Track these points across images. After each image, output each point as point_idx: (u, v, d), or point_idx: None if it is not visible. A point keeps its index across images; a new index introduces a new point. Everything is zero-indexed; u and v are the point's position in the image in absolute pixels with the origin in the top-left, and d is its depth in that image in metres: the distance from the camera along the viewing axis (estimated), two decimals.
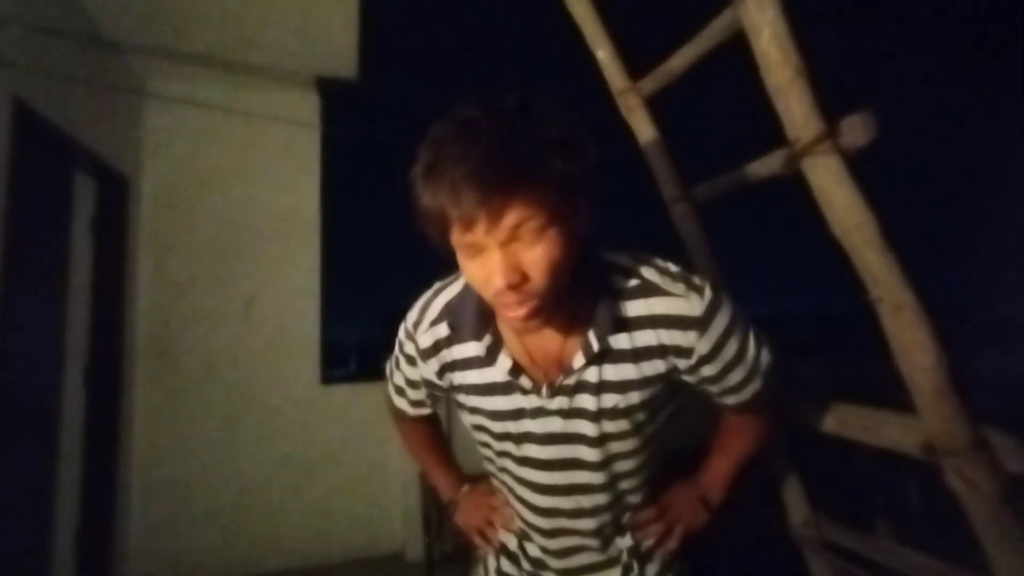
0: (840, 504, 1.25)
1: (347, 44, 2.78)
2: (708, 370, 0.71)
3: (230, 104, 2.94)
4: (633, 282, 0.70)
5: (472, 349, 0.75)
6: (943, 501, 0.81)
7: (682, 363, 0.71)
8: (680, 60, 1.09)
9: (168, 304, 2.90)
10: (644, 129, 1.20)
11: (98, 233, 2.47)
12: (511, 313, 0.62)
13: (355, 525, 3.02)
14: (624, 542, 0.82)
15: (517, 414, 0.75)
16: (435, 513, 2.48)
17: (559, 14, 1.24)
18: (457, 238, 0.60)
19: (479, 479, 0.96)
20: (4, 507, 1.81)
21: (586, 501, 0.77)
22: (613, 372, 0.70)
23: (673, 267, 0.72)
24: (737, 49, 0.90)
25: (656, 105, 1.20)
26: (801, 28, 0.80)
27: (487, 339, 0.73)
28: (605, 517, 0.79)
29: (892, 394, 0.85)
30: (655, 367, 0.71)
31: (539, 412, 0.74)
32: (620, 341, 0.70)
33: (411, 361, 0.84)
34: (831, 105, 0.79)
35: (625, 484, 0.78)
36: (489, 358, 0.74)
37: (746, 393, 0.75)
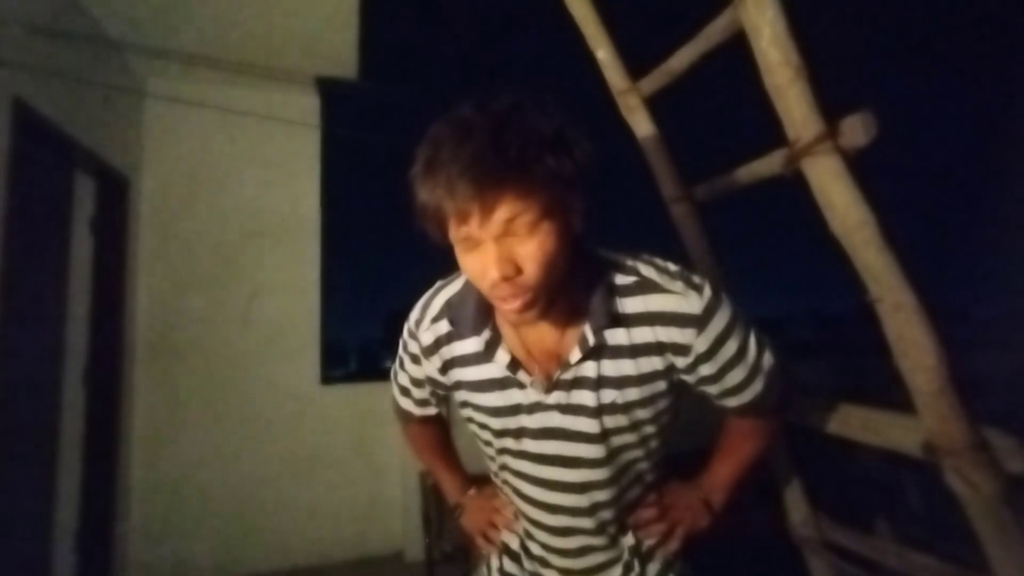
0: (840, 504, 1.25)
1: (347, 44, 2.78)
2: (706, 369, 0.71)
3: (230, 104, 2.94)
4: (631, 279, 0.71)
5: (472, 345, 0.77)
6: (943, 501, 0.81)
7: (680, 361, 0.71)
8: (680, 60, 1.09)
9: (168, 304, 2.90)
10: (644, 129, 1.20)
11: (98, 233, 2.47)
12: (506, 306, 0.64)
13: (355, 525, 3.02)
14: (626, 541, 0.82)
15: (515, 409, 0.76)
16: (435, 513, 2.48)
17: (559, 14, 1.24)
18: (454, 232, 0.62)
19: (483, 480, 0.96)
20: (4, 508, 1.81)
21: (585, 499, 0.77)
22: (611, 368, 0.71)
23: (672, 266, 0.72)
24: (737, 49, 0.90)
25: (656, 105, 1.20)
26: (801, 28, 0.80)
27: (486, 334, 0.74)
28: (606, 514, 0.79)
29: (892, 394, 0.85)
30: (653, 364, 0.71)
31: (537, 407, 0.75)
32: (618, 337, 0.70)
33: (415, 360, 0.85)
34: (831, 105, 0.79)
35: (626, 482, 0.78)
36: (488, 353, 0.75)
37: (747, 395, 0.75)
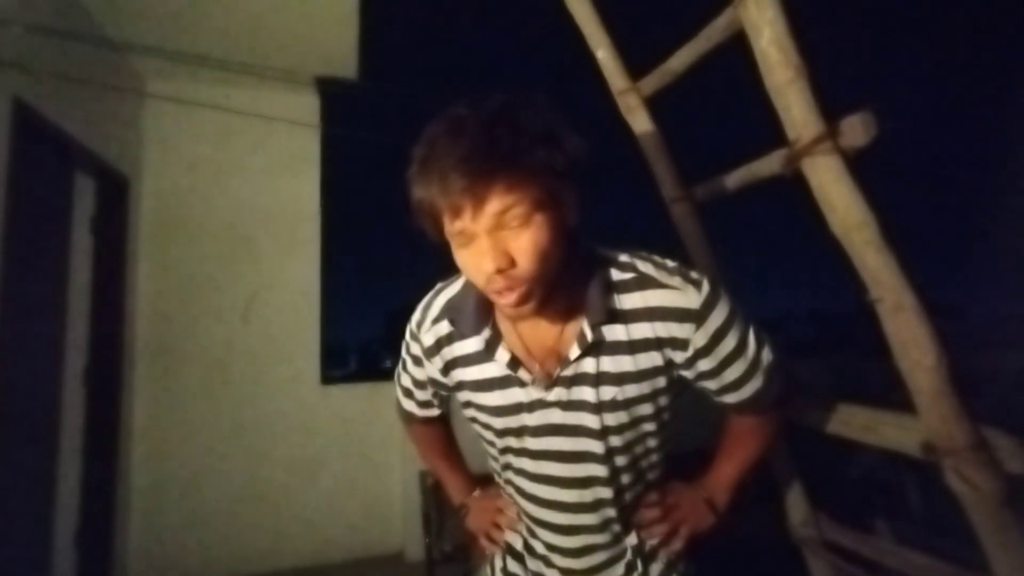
0: (840, 504, 1.25)
1: (347, 44, 2.77)
2: (705, 364, 0.71)
3: (230, 104, 2.93)
4: (629, 275, 0.71)
5: (472, 345, 0.77)
6: (943, 501, 0.81)
7: (679, 356, 0.71)
8: (680, 60, 1.09)
9: (168, 304, 2.90)
10: (644, 129, 1.20)
11: (98, 233, 2.47)
12: (502, 300, 0.65)
13: (355, 525, 3.02)
14: (629, 540, 0.82)
15: (516, 408, 0.76)
16: (435, 513, 2.48)
17: (559, 14, 1.24)
18: (449, 228, 0.63)
19: (487, 480, 0.96)
20: (4, 507, 1.81)
21: (588, 495, 0.77)
22: (610, 364, 0.71)
23: (670, 262, 0.73)
24: (737, 49, 0.90)
25: (656, 105, 1.20)
26: (801, 28, 0.80)
27: (486, 333, 0.75)
28: (609, 512, 0.79)
29: (892, 394, 0.85)
30: (651, 359, 0.71)
31: (538, 404, 0.75)
32: (616, 333, 0.71)
33: (417, 361, 0.86)
34: (831, 105, 0.79)
35: (628, 478, 0.78)
36: (488, 352, 0.75)
37: (746, 391, 0.75)
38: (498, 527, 0.92)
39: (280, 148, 3.14)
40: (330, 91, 3.15)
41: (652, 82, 1.17)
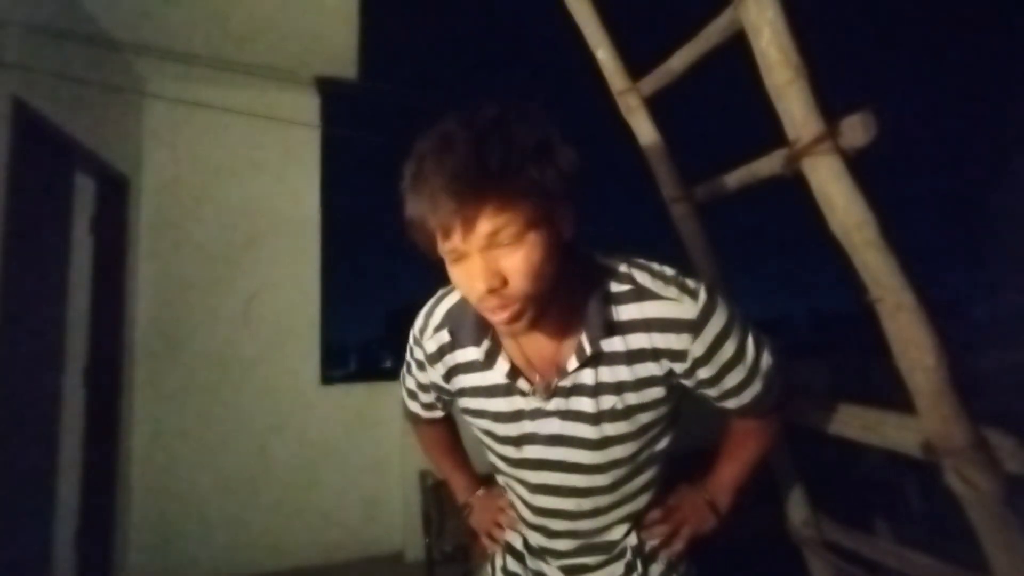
0: (840, 504, 1.25)
1: (347, 44, 2.78)
2: (704, 372, 0.71)
3: (230, 104, 2.93)
4: (626, 286, 0.71)
5: (473, 354, 0.77)
6: (943, 501, 0.81)
7: (678, 367, 0.71)
8: (680, 60, 1.09)
9: (168, 304, 2.90)
10: (644, 129, 1.20)
11: (98, 233, 2.47)
12: (494, 317, 0.64)
13: (355, 525, 3.02)
14: (628, 541, 0.82)
15: (517, 416, 0.76)
16: (435, 513, 2.48)
17: (559, 14, 1.24)
18: (440, 245, 0.63)
19: (492, 480, 0.96)
20: (4, 507, 1.81)
21: (587, 503, 0.77)
22: (609, 374, 0.71)
23: (668, 271, 0.72)
24: (737, 49, 0.90)
25: (656, 105, 1.20)
26: (801, 28, 0.80)
27: (485, 344, 0.75)
28: (608, 518, 0.79)
29: (892, 394, 0.85)
30: (649, 370, 0.71)
31: (537, 414, 0.75)
32: (614, 344, 0.70)
33: (421, 366, 0.87)
34: (831, 105, 0.79)
35: (629, 487, 0.78)
36: (488, 362, 0.75)
37: (746, 396, 0.75)
38: (499, 526, 0.92)
39: (280, 148, 3.14)
40: (330, 91, 3.15)
41: (652, 82, 1.17)
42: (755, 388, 0.74)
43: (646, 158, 1.24)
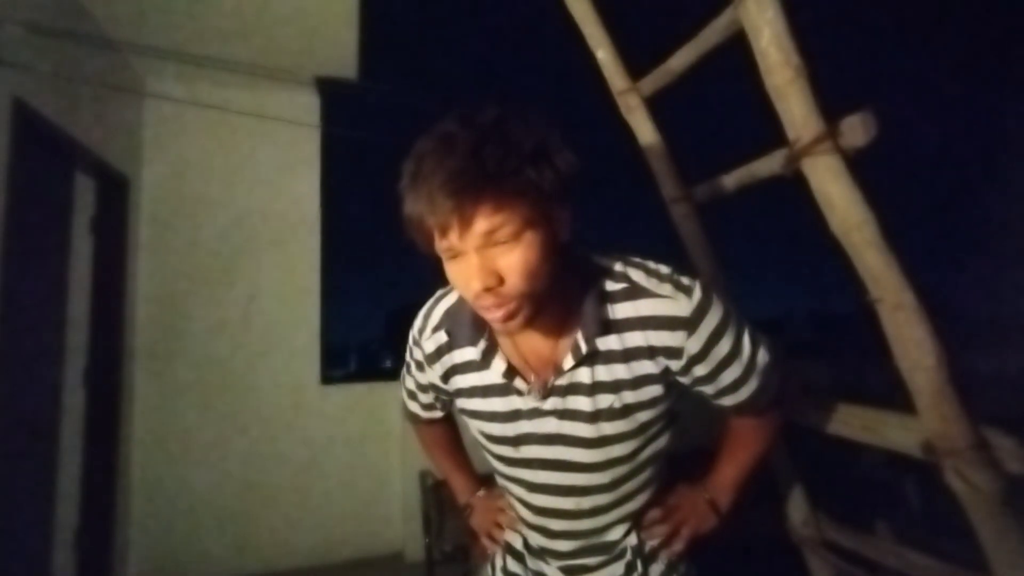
0: (840, 504, 1.25)
1: (347, 44, 2.77)
2: (700, 370, 0.71)
3: (230, 104, 2.93)
4: (621, 285, 0.71)
5: (470, 354, 0.78)
6: (943, 501, 0.81)
7: (674, 364, 0.71)
8: (680, 60, 1.09)
9: (168, 304, 2.90)
10: (644, 129, 1.20)
11: (98, 233, 2.47)
12: (490, 315, 0.65)
13: (355, 525, 3.02)
14: (628, 541, 0.82)
15: (514, 415, 0.77)
16: (435, 513, 2.48)
17: (559, 14, 1.24)
18: (438, 244, 0.63)
19: (493, 480, 0.96)
20: (4, 508, 1.81)
21: (586, 502, 0.77)
22: (605, 373, 0.71)
23: (663, 269, 0.73)
24: (737, 49, 0.90)
25: (656, 105, 1.20)
26: (801, 28, 0.80)
27: (482, 344, 0.75)
28: (607, 518, 0.79)
29: (892, 394, 0.85)
30: (645, 368, 0.71)
31: (535, 413, 0.75)
32: (610, 342, 0.71)
33: (419, 367, 0.87)
34: (831, 105, 0.79)
35: (627, 486, 0.78)
36: (484, 362, 0.76)
37: (743, 393, 0.75)
38: (499, 526, 0.92)
39: (280, 148, 3.14)
40: (330, 91, 3.15)
41: (652, 82, 1.17)
42: (752, 385, 0.74)
43: (646, 158, 1.24)
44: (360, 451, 3.08)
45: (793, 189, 0.87)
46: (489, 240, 0.60)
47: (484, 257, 0.61)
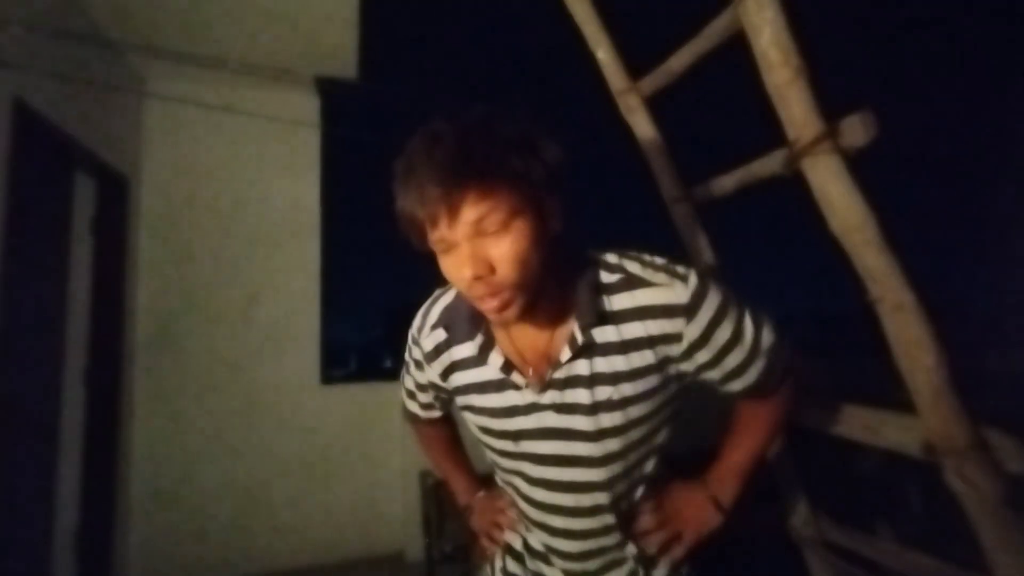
0: (840, 504, 1.25)
1: (347, 44, 2.77)
2: (703, 356, 0.71)
3: (230, 104, 2.93)
4: (617, 276, 0.72)
5: (467, 350, 0.78)
6: (943, 501, 0.81)
7: (674, 350, 0.71)
8: (680, 60, 1.09)
9: (168, 304, 2.90)
10: (644, 129, 1.20)
11: (98, 233, 2.47)
12: (484, 306, 0.66)
13: (355, 525, 3.02)
14: (629, 549, 0.81)
15: (512, 411, 0.77)
16: (435, 513, 2.48)
17: (559, 14, 1.24)
18: (430, 237, 0.65)
19: (492, 480, 0.96)
20: (4, 507, 1.81)
21: (586, 499, 0.77)
22: (604, 364, 0.71)
23: (658, 260, 0.73)
24: (737, 49, 0.90)
25: (656, 105, 1.20)
26: (801, 28, 0.80)
27: (479, 339, 0.76)
28: (608, 517, 0.78)
29: (892, 394, 0.85)
30: (644, 358, 0.71)
31: (533, 408, 0.75)
32: (608, 334, 0.71)
33: (419, 366, 0.88)
34: (831, 105, 0.79)
35: (627, 482, 0.78)
36: (481, 357, 0.76)
37: (750, 376, 0.74)
38: (499, 527, 0.92)
39: (280, 148, 3.14)
40: (330, 91, 3.15)
41: (652, 82, 1.17)
42: (758, 366, 0.74)
43: (646, 158, 1.24)
44: (360, 451, 3.08)
45: (793, 189, 0.87)
46: (478, 229, 0.61)
47: (475, 246, 0.62)
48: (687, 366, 0.73)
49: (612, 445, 0.74)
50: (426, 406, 0.95)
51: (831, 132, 0.77)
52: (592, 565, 0.81)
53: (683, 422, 0.82)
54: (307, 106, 3.17)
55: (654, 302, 0.70)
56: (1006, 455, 0.74)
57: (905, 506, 2.36)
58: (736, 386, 0.76)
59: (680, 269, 0.71)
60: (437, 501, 2.46)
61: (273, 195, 3.11)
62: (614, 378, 0.71)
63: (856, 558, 1.10)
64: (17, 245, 1.84)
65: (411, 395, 0.95)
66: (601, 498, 0.77)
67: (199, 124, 2.98)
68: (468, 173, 0.60)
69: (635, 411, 0.73)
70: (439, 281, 0.85)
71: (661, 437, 0.79)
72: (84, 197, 2.43)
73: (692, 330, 0.69)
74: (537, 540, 0.84)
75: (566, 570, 0.82)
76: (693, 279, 0.70)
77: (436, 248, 0.66)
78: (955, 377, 0.75)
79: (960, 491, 0.76)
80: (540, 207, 0.64)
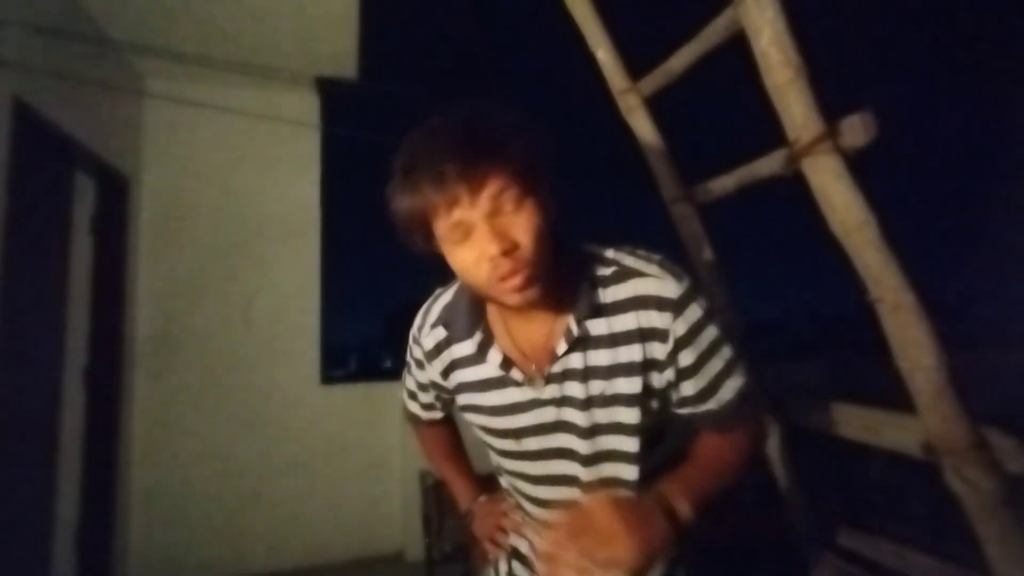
0: (840, 504, 1.25)
1: (347, 44, 2.77)
2: (686, 357, 0.70)
3: (230, 104, 2.93)
4: (612, 269, 0.73)
5: (467, 347, 0.78)
6: (943, 501, 0.81)
7: (659, 351, 0.70)
8: (680, 60, 1.09)
9: (168, 304, 2.90)
10: (644, 129, 1.20)
11: (98, 233, 2.47)
12: (508, 284, 0.64)
13: (355, 525, 3.02)
14: None
15: (512, 408, 0.76)
16: (435, 513, 2.48)
17: (559, 14, 1.24)
18: (443, 225, 0.64)
19: (493, 481, 0.95)
20: (4, 508, 1.81)
21: (578, 495, 0.76)
22: (595, 358, 0.71)
23: (654, 255, 0.74)
24: (737, 49, 0.90)
25: (656, 105, 1.20)
26: (801, 28, 0.80)
27: (478, 335, 0.76)
28: None
29: (892, 394, 0.85)
30: (632, 353, 0.70)
31: (533, 404, 0.75)
32: (600, 327, 0.71)
33: (419, 365, 0.87)
34: (831, 105, 0.79)
35: (616, 484, 0.75)
36: (480, 355, 0.76)
37: (726, 392, 0.72)
38: (503, 531, 0.91)
39: (280, 148, 3.14)
40: (330, 91, 3.15)
41: (652, 82, 1.17)
42: (735, 383, 0.73)
43: (646, 158, 1.24)
44: (360, 451, 3.08)
45: (793, 189, 0.87)
46: (497, 205, 0.62)
47: (494, 225, 0.62)
48: (669, 374, 0.71)
49: (602, 443, 0.73)
50: (427, 407, 0.94)
51: (831, 132, 0.77)
52: None
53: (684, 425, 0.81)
54: (307, 106, 3.17)
55: (647, 292, 0.70)
56: (1006, 455, 0.74)
57: (905, 506, 2.36)
58: (711, 405, 0.73)
59: (676, 268, 0.72)
60: (437, 501, 2.46)
61: (273, 195, 3.11)
62: (607, 372, 0.71)
63: (856, 558, 1.09)
64: (17, 245, 1.84)
65: (412, 396, 0.94)
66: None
67: (199, 124, 2.98)
68: (483, 149, 0.61)
69: (627, 408, 0.71)
70: (439, 280, 0.85)
71: (654, 443, 0.77)
72: (84, 197, 2.43)
73: (679, 326, 0.69)
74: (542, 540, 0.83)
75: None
76: (686, 280, 0.70)
77: (449, 238, 0.65)
78: (955, 377, 0.75)
79: (960, 491, 0.76)
80: (542, 187, 0.66)
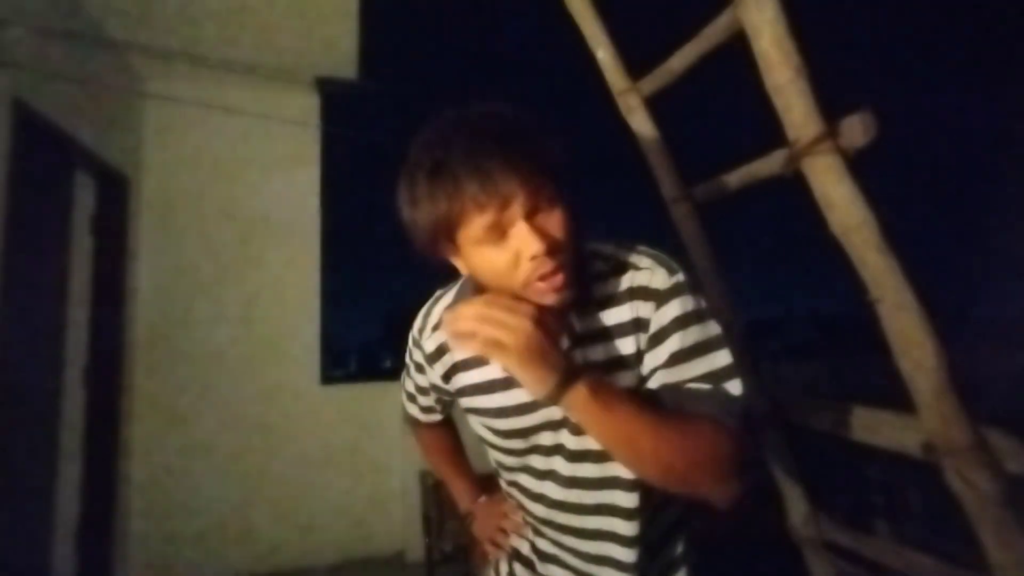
0: (840, 504, 1.25)
1: (347, 44, 2.77)
2: (662, 352, 0.67)
3: (230, 104, 2.93)
4: (610, 263, 0.73)
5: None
6: (943, 501, 0.81)
7: (643, 341, 0.69)
8: (680, 60, 1.09)
9: (168, 304, 2.90)
10: (644, 129, 1.20)
11: (98, 233, 2.47)
12: (549, 283, 0.62)
13: (355, 525, 3.02)
14: (638, 551, 0.79)
15: (520, 408, 0.76)
16: (435, 513, 2.48)
17: (559, 14, 1.24)
18: (477, 225, 0.60)
19: (493, 482, 0.95)
20: (4, 508, 1.81)
21: (588, 497, 0.76)
22: (594, 352, 0.72)
23: (651, 251, 0.74)
24: (737, 49, 0.90)
25: (656, 105, 1.20)
26: (801, 28, 0.80)
27: None
28: (614, 520, 0.77)
29: (892, 394, 0.85)
30: (626, 346, 0.70)
31: (540, 403, 0.73)
32: (600, 320, 0.72)
33: (420, 368, 0.86)
34: (831, 105, 0.79)
35: (620, 481, 0.75)
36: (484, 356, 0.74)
37: (702, 403, 0.65)
38: (504, 532, 0.91)
39: (280, 148, 3.14)
40: (330, 91, 3.15)
41: (652, 82, 1.17)
42: (719, 396, 0.65)
43: (646, 158, 1.24)
44: (360, 451, 3.07)
45: (793, 189, 0.87)
46: (537, 202, 0.60)
47: (533, 223, 0.60)
48: (650, 360, 0.68)
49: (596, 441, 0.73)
50: (427, 409, 0.94)
51: (831, 132, 0.77)
52: (604, 569, 0.78)
53: None
54: (307, 106, 3.17)
55: (637, 284, 0.70)
56: (1006, 455, 0.74)
57: (905, 506, 2.36)
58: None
59: (671, 262, 0.72)
60: (437, 501, 2.46)
61: (273, 195, 3.11)
62: (606, 366, 0.71)
63: (856, 558, 1.09)
64: (17, 245, 1.84)
65: (411, 398, 0.94)
66: (603, 496, 0.76)
67: (199, 124, 2.98)
68: (524, 144, 0.60)
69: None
70: (440, 281, 0.85)
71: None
72: (84, 196, 2.43)
73: (659, 317, 0.68)
74: (546, 540, 0.82)
75: (577, 568, 0.80)
76: (680, 275, 0.70)
77: (483, 240, 0.61)
78: (955, 377, 0.75)
79: (960, 491, 0.76)
80: (571, 186, 0.65)
